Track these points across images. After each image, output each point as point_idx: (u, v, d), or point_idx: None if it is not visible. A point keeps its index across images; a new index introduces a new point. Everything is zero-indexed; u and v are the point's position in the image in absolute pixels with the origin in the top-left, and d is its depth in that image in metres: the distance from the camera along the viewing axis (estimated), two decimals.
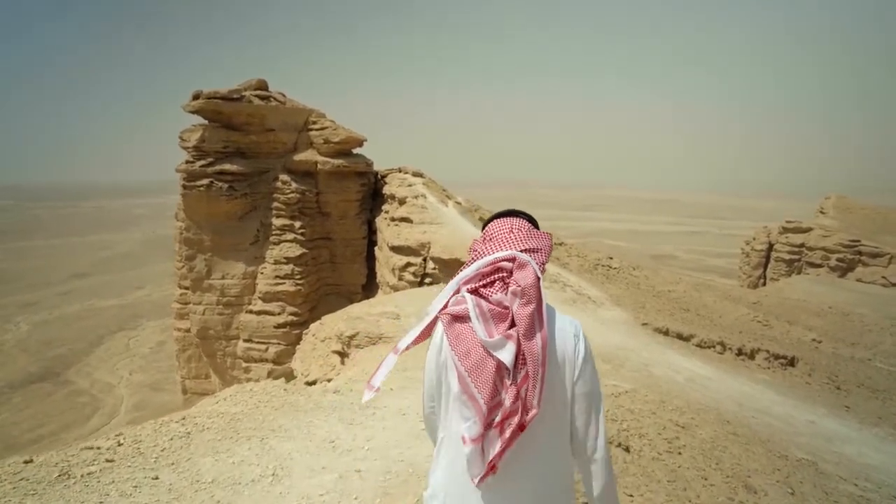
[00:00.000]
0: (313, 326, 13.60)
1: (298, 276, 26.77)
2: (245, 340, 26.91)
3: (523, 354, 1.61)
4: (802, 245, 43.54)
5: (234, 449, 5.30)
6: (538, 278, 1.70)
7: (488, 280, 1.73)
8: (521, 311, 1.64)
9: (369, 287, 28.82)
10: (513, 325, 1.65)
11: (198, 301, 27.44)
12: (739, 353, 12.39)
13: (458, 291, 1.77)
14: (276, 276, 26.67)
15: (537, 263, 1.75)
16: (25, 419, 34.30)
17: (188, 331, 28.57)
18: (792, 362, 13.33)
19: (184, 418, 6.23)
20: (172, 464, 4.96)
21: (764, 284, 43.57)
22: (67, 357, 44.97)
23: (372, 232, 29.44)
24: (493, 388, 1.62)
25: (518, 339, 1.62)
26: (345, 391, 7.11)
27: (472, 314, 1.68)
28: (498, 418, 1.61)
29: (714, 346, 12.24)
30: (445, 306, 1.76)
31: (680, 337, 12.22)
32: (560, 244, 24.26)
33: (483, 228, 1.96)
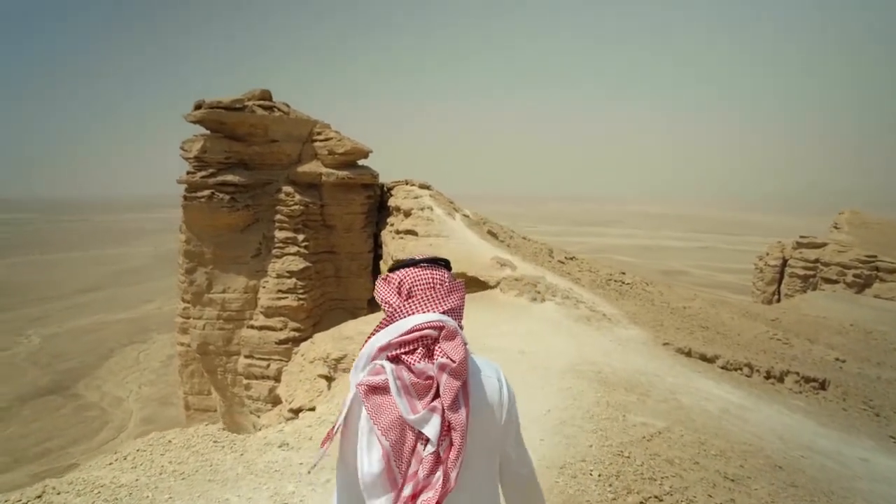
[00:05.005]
0: (303, 346, 12.82)
1: (301, 291, 26.06)
2: (246, 356, 26.17)
3: (448, 423, 1.51)
4: (817, 261, 42.76)
5: None
6: (467, 348, 1.60)
7: (410, 348, 1.59)
8: (450, 385, 1.53)
9: (375, 302, 28.06)
10: (437, 395, 1.54)
11: (198, 315, 26.79)
12: (768, 375, 11.51)
13: (375, 358, 1.62)
14: (279, 291, 25.98)
15: (459, 325, 1.67)
16: (33, 432, 34.20)
17: (190, 345, 27.95)
18: (823, 385, 12.45)
19: (40, 496, 4.38)
20: None
21: (778, 301, 42.67)
22: (77, 370, 44.97)
23: (378, 245, 28.76)
24: (408, 463, 1.50)
25: (443, 411, 1.51)
26: (297, 443, 5.31)
27: (392, 387, 1.54)
28: (408, 492, 1.45)
29: (741, 369, 11.37)
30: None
31: (704, 358, 11.35)
32: (571, 259, 23.48)
33: (392, 270, 1.77)
